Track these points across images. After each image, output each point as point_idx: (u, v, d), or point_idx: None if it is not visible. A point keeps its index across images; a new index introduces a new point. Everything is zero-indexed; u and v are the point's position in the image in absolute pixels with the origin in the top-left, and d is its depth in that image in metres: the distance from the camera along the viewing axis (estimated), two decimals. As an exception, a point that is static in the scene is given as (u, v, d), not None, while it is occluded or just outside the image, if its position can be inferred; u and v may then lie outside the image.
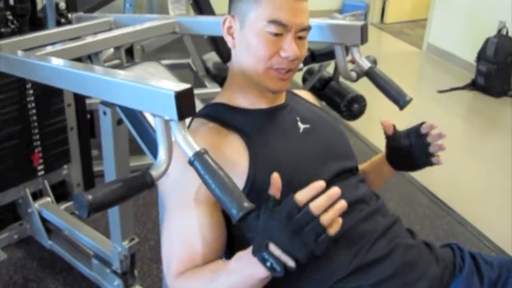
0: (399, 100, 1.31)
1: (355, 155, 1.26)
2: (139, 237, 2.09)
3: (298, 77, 3.32)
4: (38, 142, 2.11)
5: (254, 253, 0.90)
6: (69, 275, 2.09)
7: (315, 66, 3.12)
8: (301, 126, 1.19)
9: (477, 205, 2.73)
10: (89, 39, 1.44)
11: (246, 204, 0.86)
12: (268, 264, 0.88)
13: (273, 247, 0.88)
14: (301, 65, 3.00)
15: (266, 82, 1.13)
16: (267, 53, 1.09)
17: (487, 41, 4.10)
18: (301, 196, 0.87)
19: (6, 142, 2.01)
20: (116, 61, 1.54)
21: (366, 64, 1.35)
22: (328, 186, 1.04)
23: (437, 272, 1.11)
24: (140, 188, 0.92)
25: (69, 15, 1.98)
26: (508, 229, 2.48)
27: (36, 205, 2.18)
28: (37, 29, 1.92)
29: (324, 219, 0.85)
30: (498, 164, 3.14)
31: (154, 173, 0.93)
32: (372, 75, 1.33)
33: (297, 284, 1.06)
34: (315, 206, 0.85)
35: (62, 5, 1.98)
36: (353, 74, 1.47)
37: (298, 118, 1.20)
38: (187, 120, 1.00)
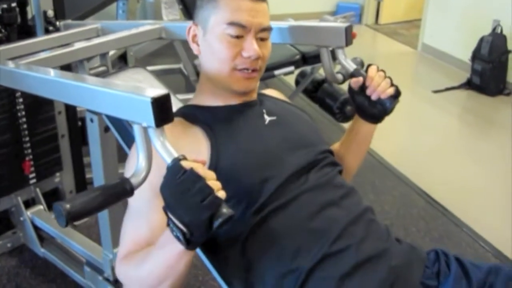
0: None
1: (325, 140, 1.29)
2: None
3: (291, 79, 3.33)
4: (29, 150, 2.10)
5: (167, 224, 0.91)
6: (62, 283, 2.08)
7: (308, 68, 3.13)
8: (267, 118, 1.22)
9: (473, 205, 2.71)
10: (74, 47, 1.44)
11: (225, 210, 0.85)
12: (174, 233, 0.89)
13: (170, 214, 0.89)
14: (292, 68, 3.03)
15: (232, 84, 1.17)
16: (229, 54, 1.13)
17: (481, 40, 4.09)
18: (186, 162, 0.87)
19: (-4, 151, 2.01)
20: (102, 68, 1.53)
21: (351, 66, 1.34)
22: (297, 175, 1.13)
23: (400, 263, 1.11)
24: (120, 195, 0.91)
25: (57, 23, 1.97)
26: (504, 229, 2.47)
27: (29, 213, 2.17)
28: (26, 38, 1.92)
29: (211, 181, 0.85)
30: (494, 164, 3.13)
31: (134, 180, 0.92)
32: (357, 76, 1.32)
33: (262, 271, 1.07)
34: (199, 166, 0.86)
35: (50, 13, 1.97)
36: (339, 76, 1.47)
37: (264, 111, 1.23)
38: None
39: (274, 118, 1.22)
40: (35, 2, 1.99)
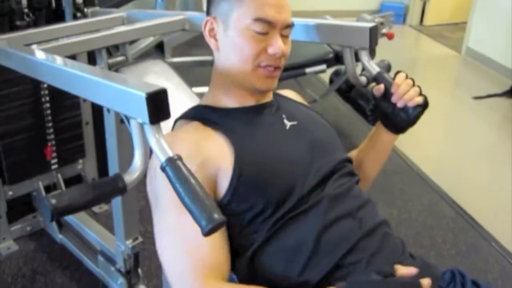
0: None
1: (343, 148, 1.23)
2: (149, 236, 2.06)
3: (326, 76, 3.25)
4: (52, 136, 2.11)
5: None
6: (77, 270, 2.08)
7: (342, 67, 3.05)
8: (288, 123, 1.16)
9: (505, 220, 2.57)
10: (93, 35, 1.41)
11: (217, 216, 0.81)
12: None
13: None
14: (324, 66, 2.95)
15: (254, 82, 1.11)
16: (253, 51, 1.08)
17: (528, 47, 3.92)
18: None
19: (19, 135, 2.02)
20: (120, 58, 1.50)
21: (374, 69, 1.27)
22: (318, 184, 1.08)
23: None
24: (111, 193, 0.88)
25: (85, 10, 1.96)
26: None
27: (49, 198, 2.18)
28: (58, 23, 1.92)
29: None
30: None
31: (127, 178, 0.89)
32: (380, 80, 1.25)
33: (268, 283, 1.03)
34: None
35: (79, -1, 1.96)
36: (363, 79, 1.40)
37: (284, 116, 1.17)
38: (167, 123, 0.96)
39: (294, 123, 1.17)
40: (65, -12, 1.98)
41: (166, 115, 0.85)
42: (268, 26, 1.07)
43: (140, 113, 0.84)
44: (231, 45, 1.10)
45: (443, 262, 2.22)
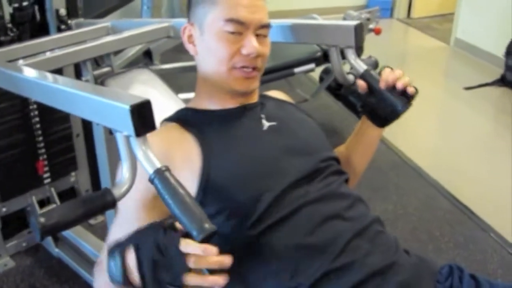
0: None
1: (329, 147, 1.22)
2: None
3: (316, 75, 3.24)
4: (43, 150, 2.09)
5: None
6: (75, 284, 2.06)
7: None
8: (266, 124, 1.16)
9: (502, 210, 2.57)
10: (77, 47, 1.40)
11: (207, 225, 0.80)
12: (112, 264, 0.83)
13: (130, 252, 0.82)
14: (312, 65, 2.93)
15: (232, 84, 1.11)
16: (227, 52, 1.08)
17: (516, 35, 3.92)
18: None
19: (9, 151, 2.00)
20: (106, 69, 1.49)
21: (361, 67, 1.26)
22: (297, 186, 1.07)
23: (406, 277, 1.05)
24: (101, 208, 0.87)
25: (69, 21, 1.95)
26: (534, 235, 2.35)
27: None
28: (42, 36, 1.90)
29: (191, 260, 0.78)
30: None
31: (116, 191, 0.88)
32: (367, 78, 1.24)
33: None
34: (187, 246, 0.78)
35: (62, 11, 1.94)
36: (351, 77, 1.39)
37: (263, 116, 1.16)
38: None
39: (274, 123, 1.16)
40: (48, 0, 1.96)
41: (151, 126, 0.84)
42: (241, 27, 1.08)
43: (125, 126, 0.83)
44: (207, 48, 1.12)
45: (441, 255, 2.22)
